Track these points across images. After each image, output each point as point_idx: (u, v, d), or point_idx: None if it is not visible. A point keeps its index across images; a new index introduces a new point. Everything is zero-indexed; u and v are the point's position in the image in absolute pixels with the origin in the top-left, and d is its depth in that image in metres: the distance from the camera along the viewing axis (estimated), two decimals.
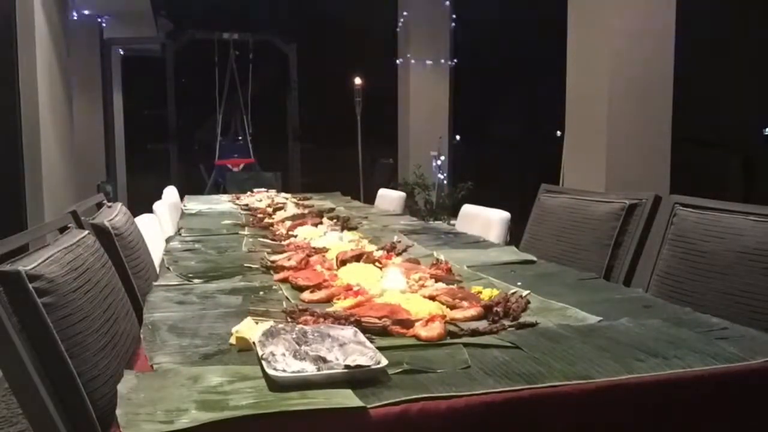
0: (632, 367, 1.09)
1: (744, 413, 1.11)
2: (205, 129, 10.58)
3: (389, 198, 4.09)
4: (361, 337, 1.14)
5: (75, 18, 7.12)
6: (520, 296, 1.48)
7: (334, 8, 9.48)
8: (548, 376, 1.05)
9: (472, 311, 1.39)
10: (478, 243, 2.43)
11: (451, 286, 1.59)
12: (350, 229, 2.65)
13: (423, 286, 1.58)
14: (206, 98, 9.66)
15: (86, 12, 7.51)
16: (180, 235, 2.69)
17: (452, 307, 1.42)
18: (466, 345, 1.20)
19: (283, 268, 1.83)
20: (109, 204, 2.15)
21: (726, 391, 1.10)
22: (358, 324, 1.25)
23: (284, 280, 1.74)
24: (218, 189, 8.32)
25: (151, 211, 2.98)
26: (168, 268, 1.95)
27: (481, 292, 1.56)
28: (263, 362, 1.04)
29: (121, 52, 9.34)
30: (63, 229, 1.62)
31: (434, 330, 1.25)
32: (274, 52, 9.53)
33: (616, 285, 1.88)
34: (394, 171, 7.78)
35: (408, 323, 1.28)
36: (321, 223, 2.72)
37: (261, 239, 2.50)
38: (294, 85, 9.54)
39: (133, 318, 1.53)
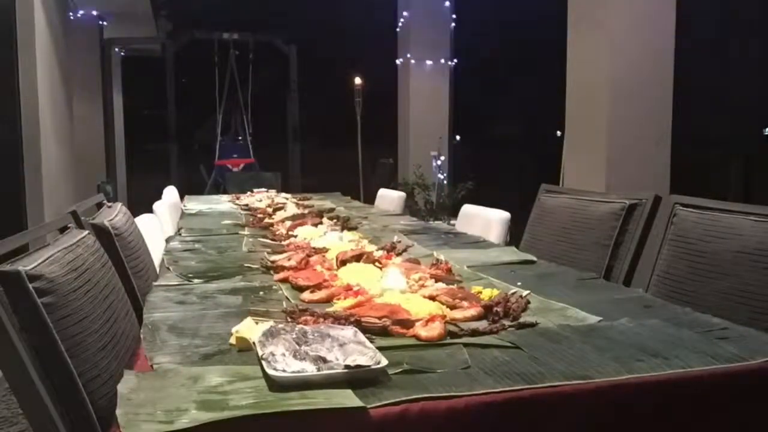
0: (632, 367, 1.09)
1: (744, 413, 1.11)
2: (205, 129, 10.59)
3: (389, 198, 4.09)
4: (361, 337, 1.14)
5: (75, 18, 7.12)
6: (520, 296, 1.48)
7: (334, 8, 9.48)
8: (548, 376, 1.05)
9: (472, 311, 1.39)
10: (478, 243, 2.43)
11: (451, 286, 1.59)
12: (350, 229, 2.65)
13: (423, 286, 1.58)
14: (206, 98, 9.67)
15: (86, 12, 7.51)
16: (180, 235, 2.69)
17: (452, 307, 1.42)
18: (466, 345, 1.20)
19: (283, 268, 1.83)
20: (109, 204, 2.15)
21: (726, 391, 1.10)
22: (358, 324, 1.25)
23: (284, 280, 1.74)
24: (218, 189, 8.32)
25: (151, 211, 2.98)
26: (168, 268, 1.94)
27: (481, 292, 1.56)
28: (263, 362, 1.04)
29: (122, 52, 9.34)
30: (63, 229, 1.62)
31: (434, 330, 1.25)
32: (274, 52, 9.53)
33: (616, 285, 1.88)
34: (394, 171, 7.78)
35: (408, 323, 1.28)
36: (321, 223, 2.72)
37: (261, 239, 2.50)
38: (294, 85, 9.54)
39: (133, 318, 1.53)
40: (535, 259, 2.08)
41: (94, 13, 7.72)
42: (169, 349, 1.21)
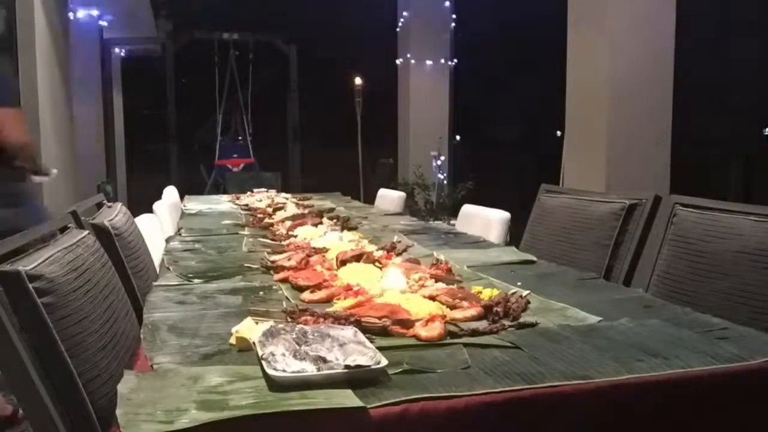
0: (632, 367, 1.09)
1: (744, 413, 1.11)
2: (205, 129, 10.59)
3: (389, 198, 4.09)
4: (361, 337, 1.14)
5: (75, 18, 7.12)
6: (520, 296, 1.48)
7: (334, 8, 9.48)
8: (548, 376, 1.05)
9: (472, 311, 1.39)
10: (478, 243, 2.43)
11: (451, 286, 1.59)
12: (350, 229, 2.65)
13: (423, 286, 1.58)
14: (206, 98, 9.67)
15: (86, 12, 7.51)
16: (180, 235, 2.69)
17: (452, 307, 1.42)
18: (466, 345, 1.20)
19: (283, 268, 1.83)
20: (109, 204, 2.15)
21: (726, 391, 1.10)
22: (358, 324, 1.25)
23: (284, 280, 1.74)
24: (218, 189, 8.32)
25: (151, 211, 2.98)
26: (168, 268, 1.94)
27: (481, 292, 1.56)
28: (263, 362, 1.04)
29: (122, 53, 9.34)
30: (63, 229, 1.62)
31: (434, 330, 1.25)
32: (274, 52, 9.53)
33: (616, 285, 1.88)
34: (394, 171, 7.78)
35: (408, 323, 1.28)
36: (321, 223, 2.72)
37: (261, 239, 2.50)
38: (294, 85, 9.54)
39: (133, 318, 1.53)
40: (535, 259, 2.08)
41: (94, 13, 7.72)
42: (169, 349, 1.21)
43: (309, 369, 1.01)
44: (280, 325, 1.16)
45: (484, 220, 2.77)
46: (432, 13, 7.34)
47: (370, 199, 4.58)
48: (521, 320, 1.34)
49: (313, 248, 2.07)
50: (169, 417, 0.90)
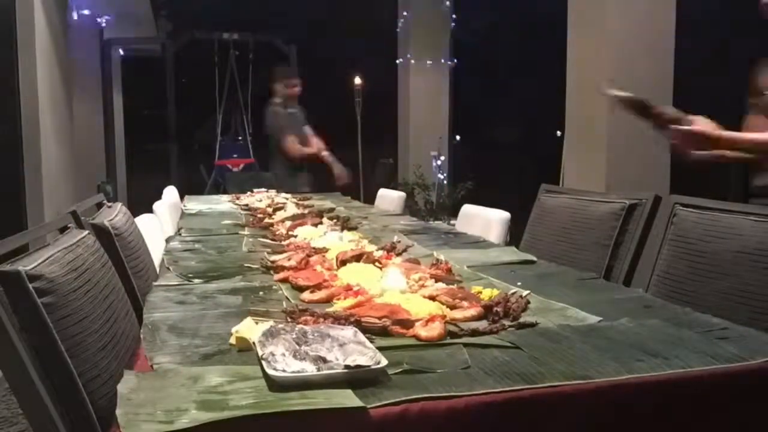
0: (632, 367, 1.09)
1: (744, 413, 1.11)
2: (205, 129, 10.57)
3: (389, 198, 4.09)
4: (361, 337, 1.14)
5: (75, 18, 7.12)
6: (520, 296, 1.48)
7: (334, 8, 9.47)
8: (548, 376, 1.05)
9: (472, 311, 1.39)
10: (478, 243, 2.43)
11: (451, 286, 1.59)
12: (350, 229, 2.65)
13: (423, 286, 1.58)
14: (206, 98, 9.66)
15: (86, 12, 7.50)
16: (180, 235, 2.69)
17: (452, 307, 1.42)
18: (466, 345, 1.20)
19: (283, 268, 1.83)
20: (109, 204, 2.15)
21: (726, 391, 1.10)
22: (358, 324, 1.25)
23: (284, 280, 1.74)
24: (218, 189, 8.32)
25: (151, 211, 2.98)
26: (168, 268, 1.94)
27: (481, 292, 1.56)
28: (263, 362, 1.04)
29: (121, 52, 9.34)
30: (63, 229, 1.62)
31: (434, 330, 1.25)
32: (274, 52, 9.52)
33: (616, 285, 1.88)
34: (394, 171, 7.78)
35: (408, 323, 1.28)
36: (321, 223, 2.72)
37: (261, 239, 2.50)
38: None
39: (133, 318, 1.53)
40: (535, 259, 2.08)
41: (94, 12, 7.72)
42: (169, 349, 1.21)
43: (309, 369, 1.01)
44: (280, 325, 1.16)
45: (484, 220, 2.77)
46: (432, 13, 7.34)
47: (370, 199, 4.58)
48: (521, 320, 1.34)
49: (313, 248, 2.07)
50: (169, 417, 0.90)
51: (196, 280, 1.79)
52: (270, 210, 3.36)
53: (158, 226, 2.76)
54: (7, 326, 1.04)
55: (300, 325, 1.18)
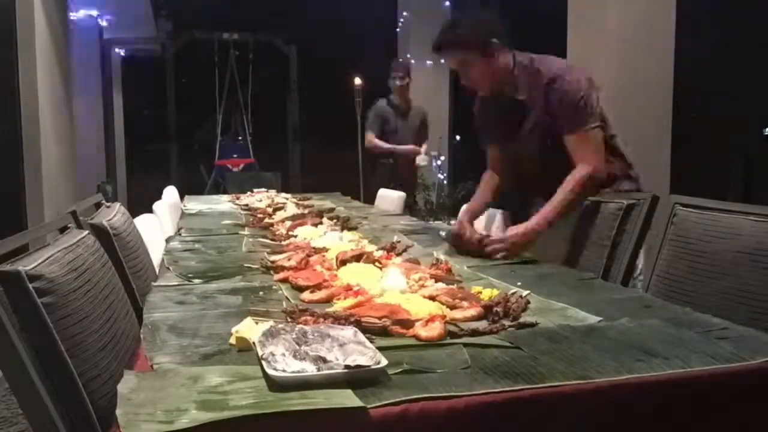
0: (632, 367, 1.09)
1: (744, 413, 1.11)
2: (205, 129, 10.58)
3: (389, 198, 4.09)
4: (361, 337, 1.14)
5: (75, 18, 7.12)
6: (520, 296, 1.48)
7: (334, 8, 9.47)
8: (548, 376, 1.05)
9: (472, 311, 1.39)
10: None
11: (451, 286, 1.59)
12: (350, 229, 2.65)
13: (423, 286, 1.58)
14: (206, 98, 9.67)
15: (86, 12, 7.51)
16: (180, 235, 2.69)
17: (452, 307, 1.42)
18: (466, 345, 1.20)
19: (283, 268, 1.83)
20: (108, 204, 2.15)
21: (726, 391, 1.10)
22: (358, 324, 1.25)
23: (284, 280, 1.74)
24: (218, 189, 8.32)
25: (151, 211, 2.98)
26: (168, 268, 1.94)
27: (481, 292, 1.56)
28: (263, 362, 1.04)
29: (121, 53, 9.34)
30: (63, 229, 1.62)
31: (434, 330, 1.25)
32: (274, 52, 9.53)
33: (617, 285, 1.88)
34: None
35: (408, 323, 1.28)
36: (321, 223, 2.72)
37: (261, 239, 2.50)
38: (294, 85, 9.53)
39: (133, 318, 1.53)
40: (535, 259, 2.08)
41: (94, 13, 7.73)
42: (169, 349, 1.21)
43: (309, 369, 1.01)
44: (280, 325, 1.16)
45: (484, 220, 2.77)
46: (432, 13, 7.34)
47: (370, 199, 4.58)
48: (521, 320, 1.34)
49: (313, 248, 2.07)
50: (169, 417, 0.90)
51: (196, 280, 1.79)
52: (270, 210, 3.36)
53: (158, 226, 2.76)
54: (7, 326, 1.04)
55: (300, 325, 1.18)
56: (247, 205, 3.81)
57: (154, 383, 1.03)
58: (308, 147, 10.10)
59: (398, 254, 2.02)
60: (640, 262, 2.10)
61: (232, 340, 1.22)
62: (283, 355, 1.04)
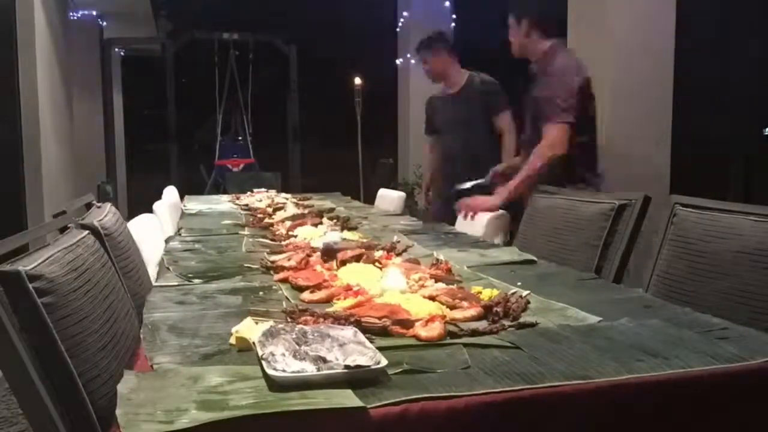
0: (632, 367, 1.09)
1: (744, 413, 1.11)
2: (205, 129, 10.59)
3: (389, 198, 4.09)
4: (361, 337, 1.14)
5: (75, 18, 7.12)
6: (520, 296, 1.48)
7: (334, 8, 9.47)
8: (548, 376, 1.05)
9: (472, 311, 1.39)
10: (478, 243, 2.44)
11: (451, 286, 1.59)
12: (350, 229, 2.65)
13: (423, 286, 1.58)
14: (206, 98, 9.68)
15: (86, 12, 7.51)
16: (180, 235, 2.69)
17: (452, 307, 1.42)
18: (466, 345, 1.20)
19: (283, 268, 1.83)
20: (99, 204, 2.14)
21: (726, 391, 1.10)
22: (358, 324, 1.25)
23: (284, 280, 1.74)
24: (218, 189, 8.32)
25: (151, 211, 2.98)
26: (168, 268, 1.94)
27: (481, 292, 1.56)
28: (263, 362, 1.04)
29: (121, 53, 9.34)
30: (63, 229, 1.62)
31: (434, 330, 1.25)
32: (274, 52, 9.53)
33: (617, 285, 1.88)
34: (394, 171, 7.78)
35: (408, 323, 1.28)
36: (321, 223, 2.72)
37: (261, 239, 2.50)
38: (294, 85, 9.53)
39: (133, 318, 1.53)
40: (535, 259, 2.08)
41: (94, 13, 7.73)
42: (169, 349, 1.21)
43: (309, 369, 1.01)
44: (280, 325, 1.16)
45: (484, 220, 2.77)
46: (432, 13, 7.33)
47: (370, 199, 4.58)
48: (521, 320, 1.34)
49: (313, 248, 2.07)
50: (169, 417, 0.90)
51: (196, 280, 1.79)
52: (270, 210, 3.36)
53: (158, 226, 2.76)
54: (7, 326, 1.04)
55: (300, 325, 1.18)
56: (247, 205, 3.81)
57: (154, 383, 1.03)
58: (308, 147, 10.10)
59: (398, 254, 2.02)
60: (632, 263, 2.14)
61: (232, 340, 1.22)
62: (283, 355, 1.04)
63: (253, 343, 1.15)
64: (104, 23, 8.17)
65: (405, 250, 2.09)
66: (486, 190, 2.96)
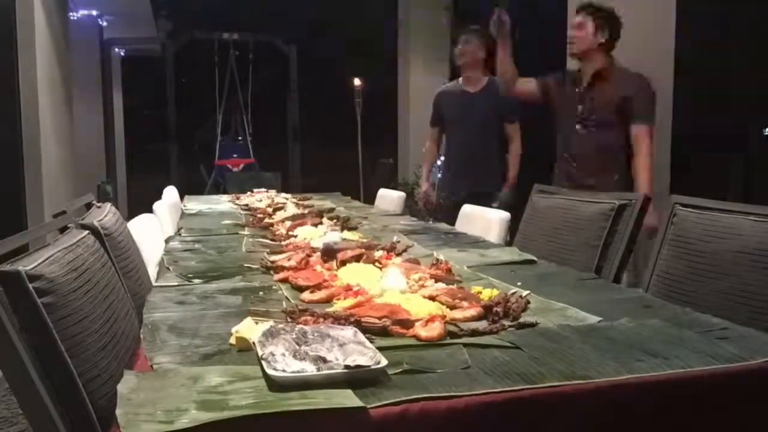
0: (632, 367, 1.09)
1: (744, 413, 1.11)
2: (205, 129, 10.59)
3: (389, 198, 4.09)
4: (361, 337, 1.14)
5: (75, 18, 7.12)
6: (520, 296, 1.48)
7: (334, 8, 9.48)
8: (548, 376, 1.05)
9: (472, 311, 1.39)
10: (478, 243, 2.43)
11: (451, 286, 1.59)
12: (350, 229, 2.65)
13: (423, 286, 1.58)
14: (206, 98, 9.67)
15: (86, 12, 7.51)
16: (180, 235, 2.69)
17: (452, 307, 1.42)
18: (466, 345, 1.20)
19: (283, 268, 1.83)
20: (99, 204, 2.14)
21: (726, 391, 1.10)
22: (358, 324, 1.25)
23: (284, 280, 1.74)
24: (218, 189, 8.32)
25: (151, 211, 2.98)
26: (168, 268, 1.94)
27: (481, 292, 1.56)
28: (263, 362, 1.04)
29: (122, 53, 9.34)
30: (63, 229, 1.62)
31: (434, 330, 1.25)
32: (274, 52, 9.53)
33: (617, 285, 1.88)
34: (394, 171, 7.77)
35: (408, 323, 1.28)
36: (321, 223, 2.72)
37: (261, 239, 2.50)
38: (294, 85, 9.53)
39: (133, 318, 1.53)
40: (535, 259, 2.08)
41: (94, 13, 7.73)
42: (169, 349, 1.21)
43: (309, 369, 1.01)
44: (280, 325, 1.16)
45: (484, 221, 2.78)
46: (432, 14, 7.33)
47: (370, 199, 4.57)
48: (521, 320, 1.34)
49: (313, 248, 2.07)
50: (169, 417, 0.90)
51: (196, 281, 1.79)
52: (270, 210, 3.36)
53: (158, 226, 2.76)
54: (7, 326, 1.04)
55: (300, 325, 1.18)
56: (247, 205, 3.81)
57: (154, 383, 1.03)
58: (308, 147, 10.10)
59: (398, 254, 2.02)
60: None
61: (232, 340, 1.22)
62: (283, 355, 1.04)
63: (253, 343, 1.15)
64: (104, 23, 8.17)
65: (405, 250, 2.09)
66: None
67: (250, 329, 1.22)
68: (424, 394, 0.97)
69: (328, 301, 1.53)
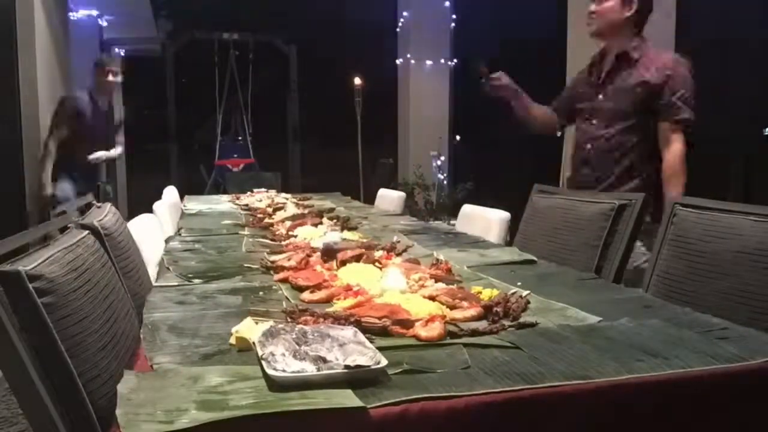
0: (632, 367, 1.09)
1: (744, 413, 1.11)
2: (205, 129, 10.57)
3: (389, 198, 4.09)
4: (361, 337, 1.14)
5: (75, 18, 7.12)
6: (520, 296, 1.48)
7: (334, 8, 9.47)
8: (548, 376, 1.05)
9: (472, 311, 1.39)
10: (478, 243, 2.44)
11: (451, 286, 1.59)
12: (350, 229, 2.65)
13: (423, 286, 1.58)
14: (206, 98, 9.66)
15: (86, 12, 7.51)
16: (180, 235, 2.69)
17: (452, 307, 1.42)
18: (466, 345, 1.20)
19: (283, 268, 1.83)
20: (99, 204, 2.14)
21: (726, 391, 1.10)
22: (358, 324, 1.25)
23: (284, 280, 1.74)
24: (218, 189, 8.31)
25: (151, 211, 2.98)
26: (168, 268, 1.94)
27: (481, 292, 1.56)
28: (263, 362, 1.04)
29: (122, 53, 9.33)
30: (63, 229, 1.62)
31: (434, 330, 1.25)
32: (274, 52, 9.52)
33: (617, 285, 1.88)
34: (394, 171, 7.78)
35: (408, 323, 1.28)
36: (321, 223, 2.72)
37: (261, 239, 2.50)
38: (294, 85, 9.53)
39: (133, 318, 1.53)
40: (535, 259, 2.08)
41: (94, 13, 7.73)
42: (169, 349, 1.21)
43: (309, 369, 1.01)
44: (280, 325, 1.16)
45: (484, 221, 2.78)
46: (432, 13, 7.34)
47: (370, 199, 4.58)
48: (521, 320, 1.34)
49: (313, 248, 2.07)
50: (169, 417, 0.90)
51: (196, 280, 1.79)
52: (270, 210, 3.36)
53: (158, 226, 2.76)
54: (7, 326, 1.04)
55: (300, 325, 1.18)
56: (247, 205, 3.81)
57: (154, 383, 1.03)
58: (308, 147, 10.09)
59: (398, 254, 2.02)
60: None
61: (232, 340, 1.22)
62: (283, 355, 1.04)
63: (253, 343, 1.15)
64: (104, 23, 8.16)
65: (405, 250, 2.09)
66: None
67: (250, 329, 1.22)
68: (424, 394, 0.97)
69: (328, 301, 1.53)
